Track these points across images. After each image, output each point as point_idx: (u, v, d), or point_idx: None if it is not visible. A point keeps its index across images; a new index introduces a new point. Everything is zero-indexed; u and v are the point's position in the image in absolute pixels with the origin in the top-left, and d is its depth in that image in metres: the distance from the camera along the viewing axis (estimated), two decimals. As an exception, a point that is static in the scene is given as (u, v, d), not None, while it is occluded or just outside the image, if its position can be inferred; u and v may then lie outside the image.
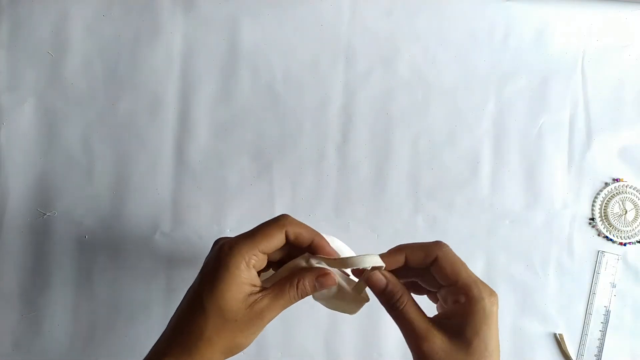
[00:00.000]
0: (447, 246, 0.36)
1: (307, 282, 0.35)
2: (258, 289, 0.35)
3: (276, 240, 0.35)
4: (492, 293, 0.34)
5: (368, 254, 0.36)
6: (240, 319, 0.33)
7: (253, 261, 0.34)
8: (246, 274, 0.34)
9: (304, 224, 0.36)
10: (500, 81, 0.57)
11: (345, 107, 0.56)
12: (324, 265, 0.36)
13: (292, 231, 0.35)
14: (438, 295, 0.37)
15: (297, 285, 0.35)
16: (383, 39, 0.56)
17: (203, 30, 0.55)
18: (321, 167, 0.56)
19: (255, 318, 0.34)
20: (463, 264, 0.35)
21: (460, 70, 0.57)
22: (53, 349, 0.54)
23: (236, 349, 0.34)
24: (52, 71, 0.55)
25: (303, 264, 0.36)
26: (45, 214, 0.55)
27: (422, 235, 0.56)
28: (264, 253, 0.35)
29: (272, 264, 0.39)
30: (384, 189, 0.56)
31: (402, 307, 0.35)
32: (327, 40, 0.56)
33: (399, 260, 0.36)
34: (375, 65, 0.56)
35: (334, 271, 0.37)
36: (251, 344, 0.55)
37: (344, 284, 0.38)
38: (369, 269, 0.36)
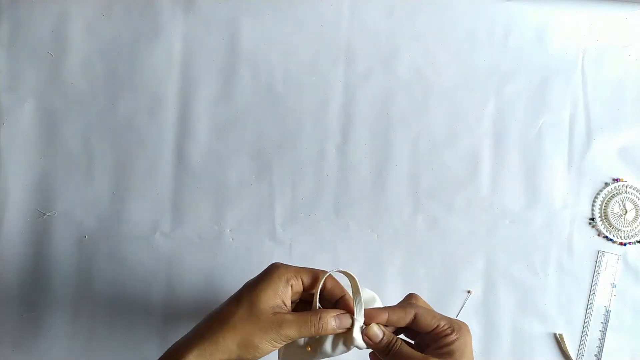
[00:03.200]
0: (419, 297, 0.43)
1: (330, 317, 0.39)
2: (287, 308, 0.39)
3: (315, 282, 0.40)
4: (464, 324, 0.40)
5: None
6: (263, 319, 0.37)
7: (292, 281, 0.39)
8: (284, 289, 0.38)
9: (340, 284, 0.41)
10: (500, 81, 0.57)
11: (345, 107, 0.56)
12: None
13: (331, 284, 0.41)
14: (421, 341, 0.42)
15: (320, 317, 0.39)
16: (383, 39, 0.56)
17: (203, 30, 0.55)
18: (321, 167, 0.56)
19: (275, 324, 0.37)
20: (434, 311, 0.41)
21: (460, 70, 0.57)
22: (53, 349, 0.55)
23: (251, 350, 0.37)
24: (52, 71, 0.55)
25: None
26: (45, 214, 0.55)
27: (422, 235, 0.56)
28: (302, 283, 0.40)
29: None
30: (384, 189, 0.56)
31: (396, 348, 0.40)
32: (327, 40, 0.56)
33: (383, 318, 0.41)
34: (375, 66, 0.56)
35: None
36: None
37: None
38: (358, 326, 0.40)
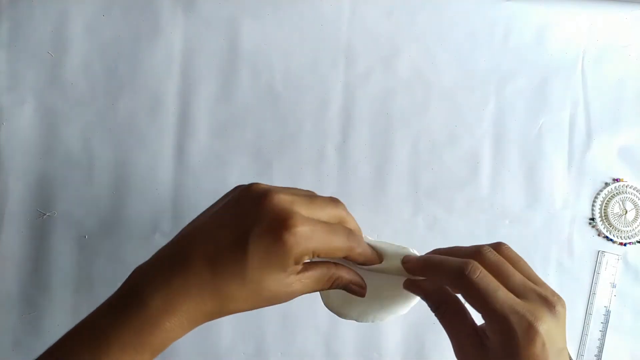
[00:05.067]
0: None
1: (342, 281, 0.34)
2: (296, 270, 0.32)
3: (341, 252, 0.33)
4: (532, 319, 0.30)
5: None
6: (269, 298, 0.31)
7: (305, 258, 0.32)
8: (299, 264, 0.31)
9: (364, 244, 0.35)
10: (500, 81, 0.57)
11: (345, 107, 0.56)
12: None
13: (353, 253, 0.34)
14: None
15: (333, 280, 0.34)
16: (383, 39, 0.56)
17: (203, 30, 0.55)
18: (321, 167, 0.56)
19: (282, 298, 0.32)
20: (487, 285, 0.32)
21: (460, 70, 0.57)
22: (53, 349, 0.55)
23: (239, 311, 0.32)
24: (52, 71, 0.55)
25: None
26: (45, 214, 0.55)
27: (422, 235, 0.56)
28: (324, 256, 0.33)
29: None
30: (384, 189, 0.56)
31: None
32: (327, 40, 0.56)
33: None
34: (375, 65, 0.56)
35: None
36: (251, 344, 0.55)
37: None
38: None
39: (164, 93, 0.55)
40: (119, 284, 0.50)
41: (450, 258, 0.34)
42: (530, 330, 0.29)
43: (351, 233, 0.33)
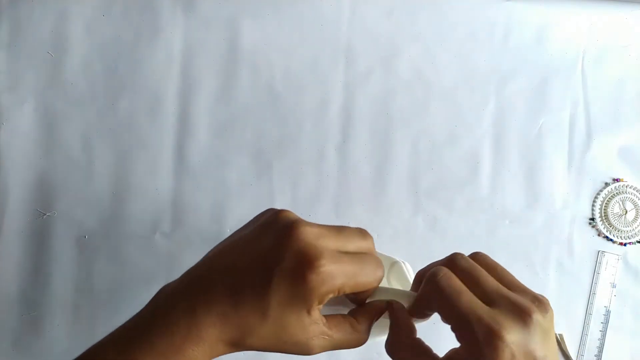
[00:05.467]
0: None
1: (365, 324, 0.32)
2: (319, 318, 0.30)
3: (371, 286, 0.32)
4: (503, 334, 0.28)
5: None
6: (291, 344, 0.29)
7: (336, 295, 0.30)
8: (321, 304, 0.30)
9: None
10: (500, 81, 0.57)
11: (345, 107, 0.56)
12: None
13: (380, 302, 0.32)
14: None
15: (352, 324, 0.32)
16: (383, 39, 0.56)
17: (203, 30, 0.55)
18: (321, 167, 0.56)
19: (304, 348, 0.30)
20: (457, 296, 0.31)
21: (461, 70, 0.57)
22: (53, 349, 0.55)
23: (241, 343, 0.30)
24: (52, 71, 0.55)
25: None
26: (45, 214, 0.55)
27: (422, 235, 0.56)
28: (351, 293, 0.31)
29: None
30: (384, 189, 0.56)
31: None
32: (327, 40, 0.56)
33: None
34: (375, 65, 0.56)
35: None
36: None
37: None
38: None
39: (164, 93, 0.55)
40: (119, 284, 0.51)
41: (426, 268, 0.33)
42: (494, 338, 0.26)
43: (380, 264, 0.31)
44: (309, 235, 0.29)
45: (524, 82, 0.57)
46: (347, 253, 0.30)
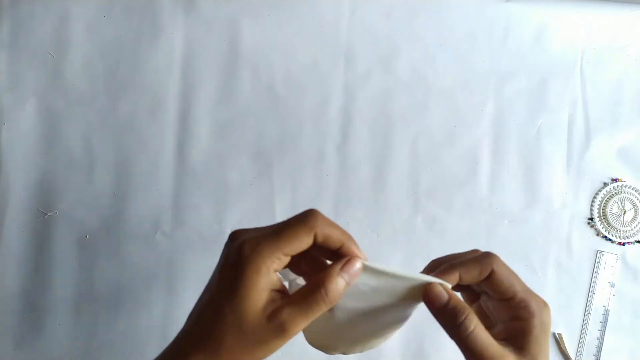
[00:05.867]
0: (499, 258, 0.35)
1: (335, 280, 0.31)
2: (279, 295, 0.31)
3: (303, 243, 0.31)
4: (546, 304, 0.34)
5: (420, 274, 0.33)
6: (260, 333, 0.30)
7: (275, 265, 0.31)
8: (266, 279, 0.30)
9: (335, 224, 0.32)
10: (499, 81, 0.57)
11: (345, 108, 0.56)
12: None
13: (322, 233, 0.31)
14: (485, 304, 0.36)
15: (324, 289, 0.31)
16: (383, 39, 0.57)
17: (203, 31, 0.56)
18: (321, 167, 0.56)
19: (276, 332, 0.30)
20: (517, 277, 0.34)
21: (460, 71, 0.57)
22: (54, 349, 0.55)
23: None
24: (53, 71, 0.55)
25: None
26: (46, 214, 0.55)
27: (422, 234, 0.56)
28: (287, 255, 0.31)
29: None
30: (383, 189, 0.56)
31: (471, 328, 0.31)
32: (327, 41, 0.56)
33: (453, 280, 0.33)
34: (375, 66, 0.57)
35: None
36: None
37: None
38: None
39: (165, 93, 0.55)
40: (120, 284, 0.51)
41: (469, 261, 0.35)
42: (547, 307, 0.34)
43: (307, 215, 0.31)
44: (241, 236, 0.32)
45: (523, 83, 0.57)
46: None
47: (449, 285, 0.33)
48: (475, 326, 0.31)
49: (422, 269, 0.53)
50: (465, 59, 0.57)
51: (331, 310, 0.33)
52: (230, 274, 0.30)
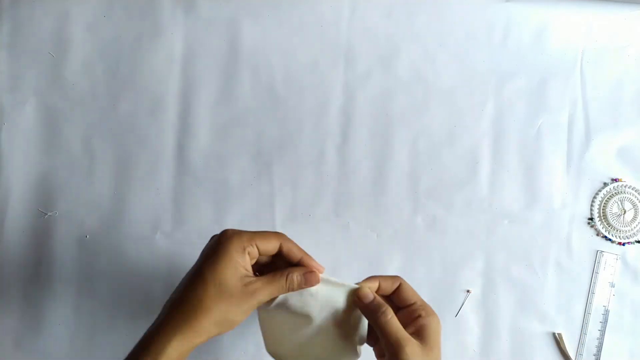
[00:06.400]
0: (403, 278, 0.44)
1: (295, 275, 0.41)
2: (251, 274, 0.40)
3: (271, 245, 0.41)
4: (434, 312, 0.43)
5: (353, 283, 0.43)
6: (236, 294, 0.38)
7: (249, 249, 0.39)
8: (242, 258, 0.39)
9: (298, 246, 0.42)
10: (499, 81, 0.57)
11: (345, 108, 0.56)
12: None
13: (286, 245, 0.41)
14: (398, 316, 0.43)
15: (287, 276, 0.41)
16: (383, 39, 0.57)
17: (204, 31, 0.56)
18: (321, 167, 0.56)
19: (248, 296, 0.39)
20: (416, 292, 0.44)
21: (460, 71, 0.57)
22: (54, 348, 0.55)
23: (228, 324, 0.39)
24: (53, 71, 0.55)
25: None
26: (46, 214, 0.55)
27: (422, 234, 0.56)
28: (258, 249, 0.40)
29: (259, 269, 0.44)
30: (383, 189, 0.56)
31: (389, 317, 0.41)
32: (327, 41, 0.56)
33: (375, 286, 0.43)
34: (375, 66, 0.57)
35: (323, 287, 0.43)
36: (250, 345, 0.55)
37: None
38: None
39: (165, 93, 0.56)
40: (120, 284, 0.51)
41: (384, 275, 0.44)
42: (434, 314, 0.42)
43: (278, 232, 0.42)
44: (229, 230, 0.41)
45: (523, 83, 0.57)
46: None
47: (374, 289, 0.43)
48: (392, 317, 0.41)
49: (421, 268, 0.53)
50: (465, 59, 0.57)
51: (296, 322, 0.43)
52: (214, 252, 0.39)
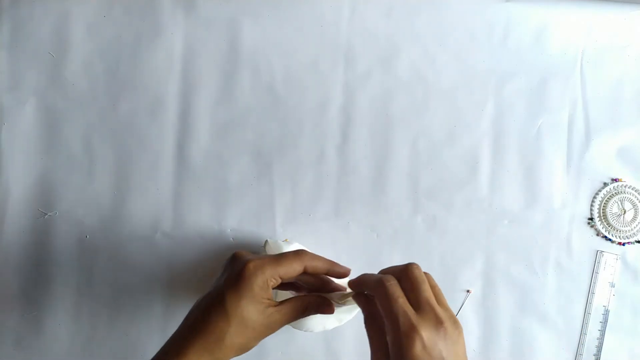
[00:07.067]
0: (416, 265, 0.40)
1: (312, 306, 0.42)
2: (273, 303, 0.41)
3: (295, 271, 0.41)
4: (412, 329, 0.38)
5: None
6: (257, 329, 0.39)
7: (272, 282, 0.40)
8: (266, 292, 0.40)
9: (319, 257, 0.42)
10: (499, 81, 0.57)
11: (345, 108, 0.56)
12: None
13: (310, 265, 0.41)
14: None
15: (305, 307, 0.42)
16: (383, 39, 0.57)
17: (203, 31, 0.56)
18: (321, 167, 0.56)
19: (268, 328, 0.40)
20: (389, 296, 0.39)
21: (460, 71, 0.57)
22: (54, 349, 0.55)
23: (246, 350, 0.40)
24: (53, 71, 0.55)
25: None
26: (46, 214, 0.55)
27: (422, 234, 0.56)
28: (282, 278, 0.40)
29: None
30: (383, 189, 0.56)
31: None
32: (327, 41, 0.56)
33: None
34: (375, 66, 0.57)
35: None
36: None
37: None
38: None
39: (165, 93, 0.56)
40: (120, 284, 0.51)
41: (374, 274, 0.41)
42: (412, 330, 0.34)
43: (299, 252, 0.42)
44: (249, 258, 0.41)
45: (523, 83, 0.57)
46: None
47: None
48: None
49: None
50: (465, 59, 0.57)
51: None
52: (237, 285, 0.39)
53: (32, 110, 0.55)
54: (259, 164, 0.56)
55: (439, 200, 0.57)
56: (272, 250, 0.50)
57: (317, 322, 0.47)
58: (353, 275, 0.43)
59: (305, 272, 0.42)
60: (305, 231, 0.56)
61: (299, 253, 0.42)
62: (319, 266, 0.42)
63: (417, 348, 0.34)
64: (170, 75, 0.55)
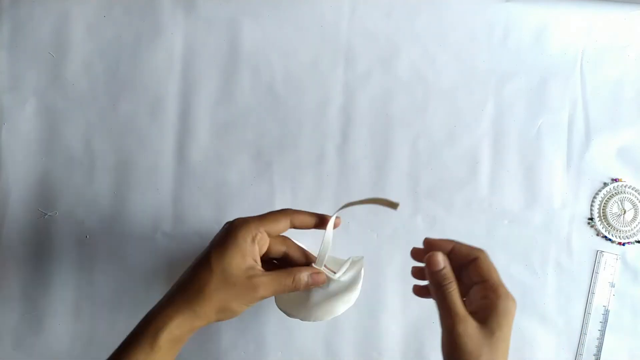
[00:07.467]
0: (486, 252, 0.41)
1: (303, 275, 0.42)
2: (259, 266, 0.40)
3: (281, 225, 0.41)
4: (514, 299, 0.39)
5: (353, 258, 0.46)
6: (239, 285, 0.39)
7: (258, 237, 0.40)
8: (250, 247, 0.39)
9: (307, 211, 0.43)
10: (499, 81, 0.57)
11: (345, 108, 0.56)
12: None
13: (297, 218, 0.42)
14: (466, 291, 0.41)
15: (294, 276, 0.41)
16: (383, 39, 0.57)
17: (204, 31, 0.56)
18: (321, 167, 0.56)
19: (251, 288, 0.39)
20: (496, 270, 0.40)
21: (460, 71, 0.57)
22: (54, 349, 0.55)
23: (228, 313, 0.40)
24: (53, 71, 0.55)
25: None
26: (46, 214, 0.55)
27: (422, 235, 0.56)
28: (269, 233, 0.41)
29: (273, 264, 0.45)
30: (383, 189, 0.56)
31: (450, 290, 0.38)
32: (327, 41, 0.56)
33: (448, 247, 0.41)
34: (375, 66, 0.57)
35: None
36: (250, 345, 0.55)
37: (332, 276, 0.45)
38: None
39: (165, 93, 0.56)
40: (120, 283, 0.51)
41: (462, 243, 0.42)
42: (514, 300, 0.38)
43: (284, 209, 0.43)
44: (237, 219, 0.41)
45: (523, 83, 0.57)
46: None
47: (445, 257, 0.40)
48: (454, 290, 0.39)
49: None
50: (465, 59, 0.57)
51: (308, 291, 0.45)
52: (222, 240, 0.40)
53: (32, 110, 0.55)
54: (259, 163, 0.56)
55: (439, 200, 0.57)
56: None
57: (325, 310, 0.45)
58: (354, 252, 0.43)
59: (288, 254, 0.43)
60: (305, 231, 0.56)
61: (284, 209, 0.42)
62: (305, 219, 0.42)
63: (511, 314, 0.38)
64: (170, 75, 0.55)
